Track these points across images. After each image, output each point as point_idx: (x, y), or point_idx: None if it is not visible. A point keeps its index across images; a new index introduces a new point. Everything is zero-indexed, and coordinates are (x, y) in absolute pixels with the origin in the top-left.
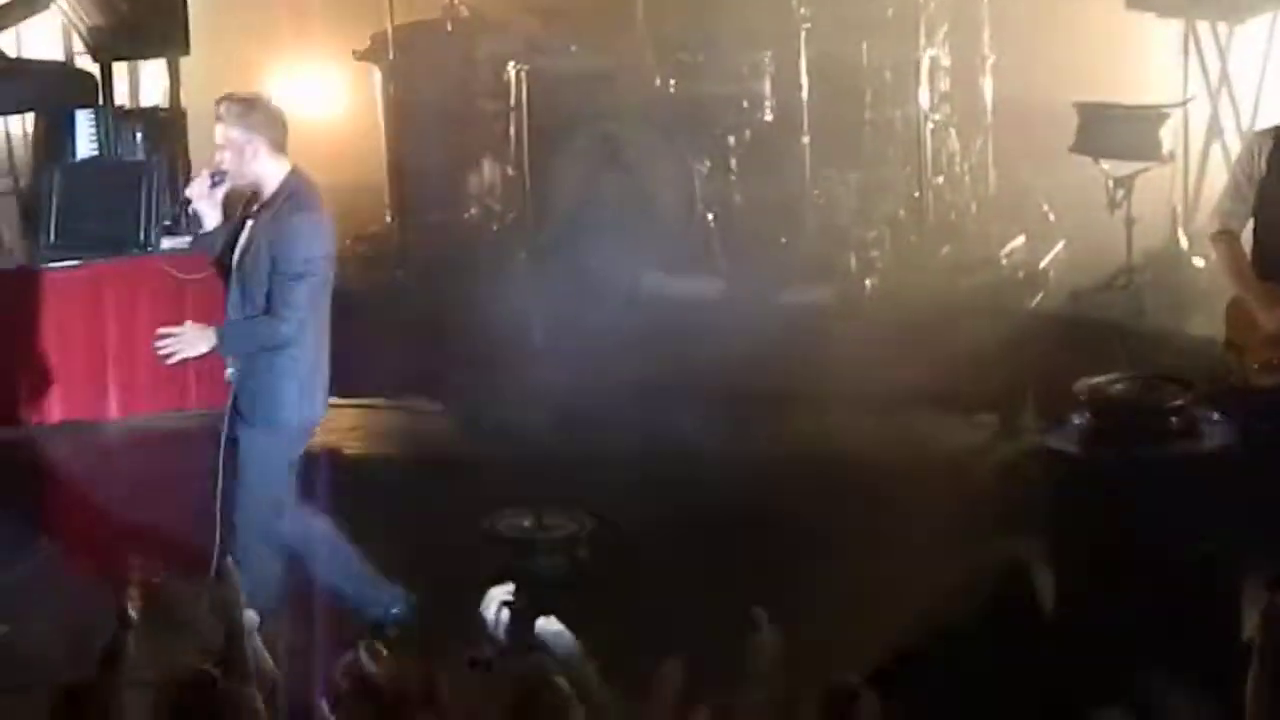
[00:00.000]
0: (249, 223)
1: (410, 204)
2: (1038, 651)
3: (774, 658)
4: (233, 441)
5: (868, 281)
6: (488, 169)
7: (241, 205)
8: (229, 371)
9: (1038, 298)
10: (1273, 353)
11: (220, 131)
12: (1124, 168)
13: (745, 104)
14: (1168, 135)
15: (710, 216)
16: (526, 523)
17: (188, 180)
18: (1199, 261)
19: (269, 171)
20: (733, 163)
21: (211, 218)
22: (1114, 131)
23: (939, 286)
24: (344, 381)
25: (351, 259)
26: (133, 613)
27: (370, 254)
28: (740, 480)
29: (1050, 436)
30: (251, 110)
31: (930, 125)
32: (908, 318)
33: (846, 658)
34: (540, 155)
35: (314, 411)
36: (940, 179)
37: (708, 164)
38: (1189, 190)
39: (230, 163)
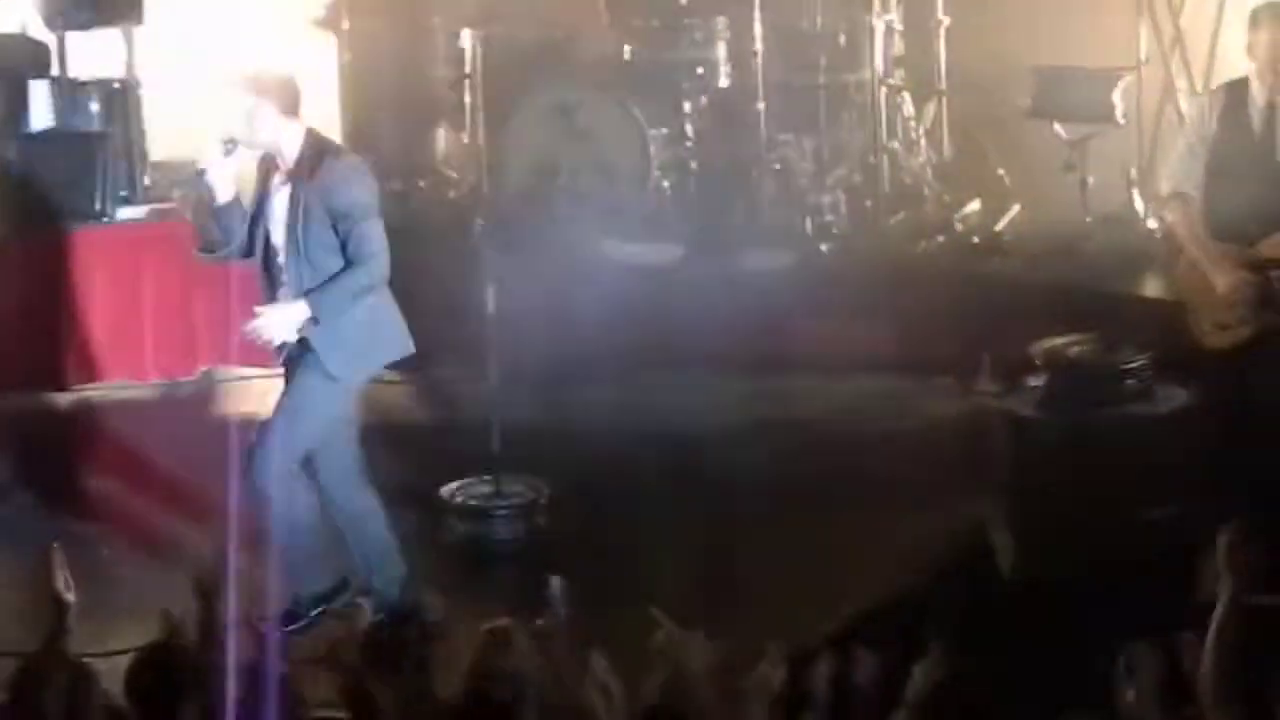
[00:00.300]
0: (282, 190)
1: None
2: (997, 614)
3: (678, 655)
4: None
5: (824, 246)
6: (443, 137)
7: (257, 180)
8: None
9: (993, 261)
10: (1226, 314)
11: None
12: (1078, 131)
13: (700, 70)
14: (1122, 98)
15: (666, 183)
16: (485, 490)
17: (144, 151)
18: (1153, 224)
19: (284, 136)
20: (689, 129)
21: (226, 190)
22: (1069, 94)
23: (895, 251)
24: None
25: None
26: (67, 595)
27: None
28: (699, 445)
29: (1007, 399)
30: (258, 75)
31: (884, 90)
32: (864, 282)
33: (808, 620)
34: (496, 123)
35: (386, 359)
36: (895, 144)
37: (664, 131)
38: (1143, 153)
39: (241, 129)
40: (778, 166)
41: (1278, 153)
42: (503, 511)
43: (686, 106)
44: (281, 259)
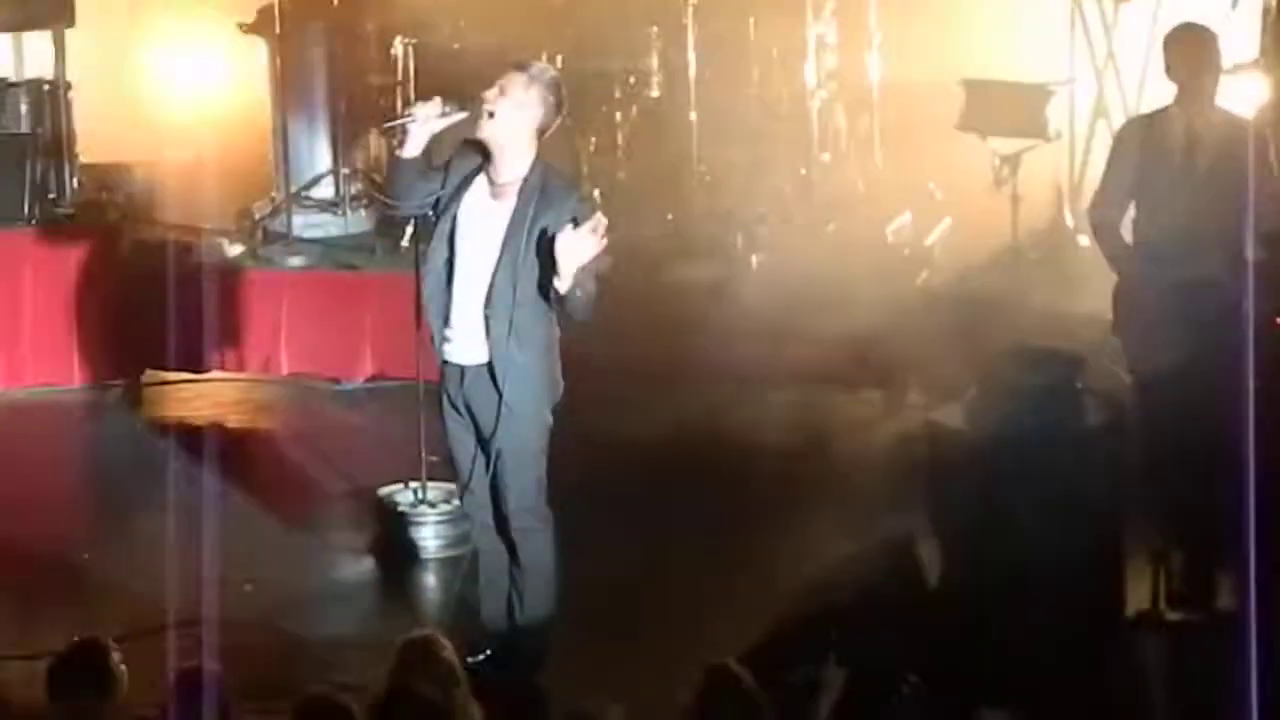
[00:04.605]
0: (494, 201)
1: (297, 180)
2: (922, 630)
3: None
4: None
5: (754, 258)
6: (374, 144)
7: (458, 169)
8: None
9: (924, 275)
10: (1155, 335)
11: (506, 84)
12: (1010, 145)
13: (633, 80)
14: (1054, 113)
15: (596, 193)
16: (409, 497)
17: (73, 153)
18: (1084, 240)
19: (522, 150)
20: (619, 139)
21: (415, 146)
22: (1000, 109)
23: (825, 264)
24: (235, 356)
25: (238, 234)
26: None
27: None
28: (625, 458)
29: (935, 412)
30: (541, 83)
31: (817, 102)
32: (794, 295)
33: (728, 639)
34: None
35: (554, 399)
36: (827, 156)
37: (594, 140)
38: (1075, 169)
39: (493, 117)
40: (709, 178)
41: (1198, 177)
42: (429, 518)
43: (618, 116)
44: (481, 268)
